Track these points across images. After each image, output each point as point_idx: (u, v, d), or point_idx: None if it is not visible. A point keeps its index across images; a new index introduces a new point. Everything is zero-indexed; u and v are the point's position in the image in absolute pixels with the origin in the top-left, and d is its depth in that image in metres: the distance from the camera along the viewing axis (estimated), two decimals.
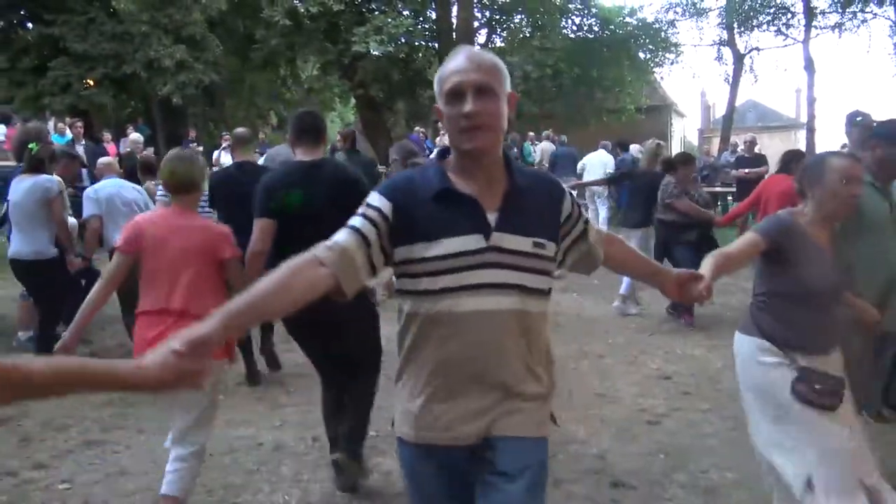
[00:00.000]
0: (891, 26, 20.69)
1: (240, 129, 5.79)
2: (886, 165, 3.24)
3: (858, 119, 4.97)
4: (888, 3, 20.29)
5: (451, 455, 1.75)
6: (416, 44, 19.56)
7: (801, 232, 2.55)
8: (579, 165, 12.93)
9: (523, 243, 1.69)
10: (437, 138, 14.32)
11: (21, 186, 5.26)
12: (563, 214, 1.81)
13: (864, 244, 3.10)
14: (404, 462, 1.86)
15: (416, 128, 15.95)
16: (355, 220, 1.72)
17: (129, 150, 11.55)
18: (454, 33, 19.32)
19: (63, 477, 3.68)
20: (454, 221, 1.66)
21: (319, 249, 1.67)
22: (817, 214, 2.56)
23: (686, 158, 7.17)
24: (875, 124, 3.56)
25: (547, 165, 14.59)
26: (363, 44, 17.19)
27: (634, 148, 15.97)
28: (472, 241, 1.65)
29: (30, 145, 5.30)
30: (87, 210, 5.61)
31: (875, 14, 21.14)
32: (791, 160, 5.81)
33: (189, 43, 17.32)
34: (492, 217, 1.68)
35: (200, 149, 15.33)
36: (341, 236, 1.70)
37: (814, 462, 2.39)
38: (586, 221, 1.88)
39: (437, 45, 19.73)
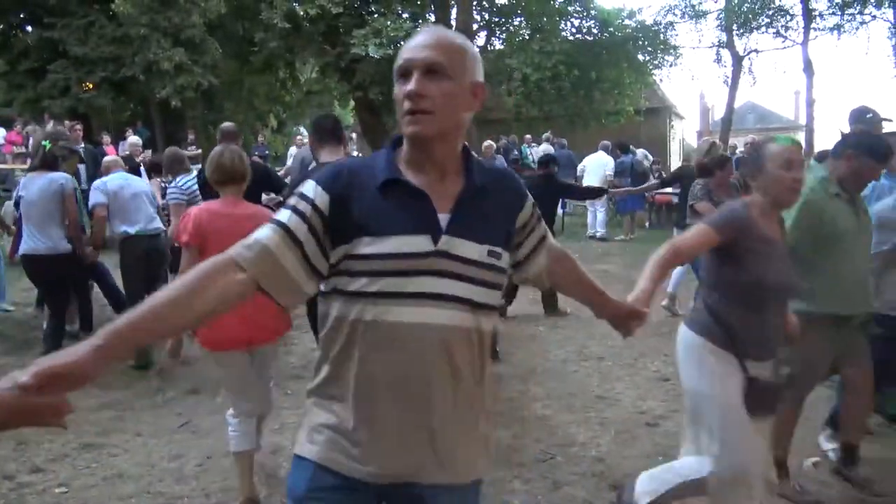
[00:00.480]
0: (889, 28, 20.71)
1: (226, 124, 5.85)
2: (859, 176, 3.18)
3: (869, 116, 4.94)
4: (887, 5, 20.30)
5: (361, 492, 1.48)
6: None
7: (754, 224, 2.48)
8: (579, 168, 12.93)
9: (476, 251, 1.47)
10: None
11: (35, 184, 5.31)
12: (520, 221, 1.62)
13: (832, 254, 3.10)
14: (296, 485, 1.53)
15: None
16: (282, 214, 1.47)
17: (127, 152, 11.54)
18: None
19: (60, 480, 3.66)
20: (400, 217, 1.43)
21: (236, 248, 1.43)
22: (765, 203, 2.51)
23: (722, 161, 6.88)
24: (847, 133, 3.51)
25: None
26: (362, 46, 17.20)
27: (641, 152, 16.02)
28: (419, 243, 1.42)
29: (43, 143, 5.40)
30: (94, 199, 5.66)
31: (874, 16, 21.17)
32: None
33: (188, 46, 17.34)
34: (443, 218, 1.45)
35: (199, 151, 15.33)
36: (263, 232, 1.45)
37: (728, 464, 2.44)
38: (545, 233, 1.72)
39: None
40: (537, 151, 15.91)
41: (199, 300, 1.34)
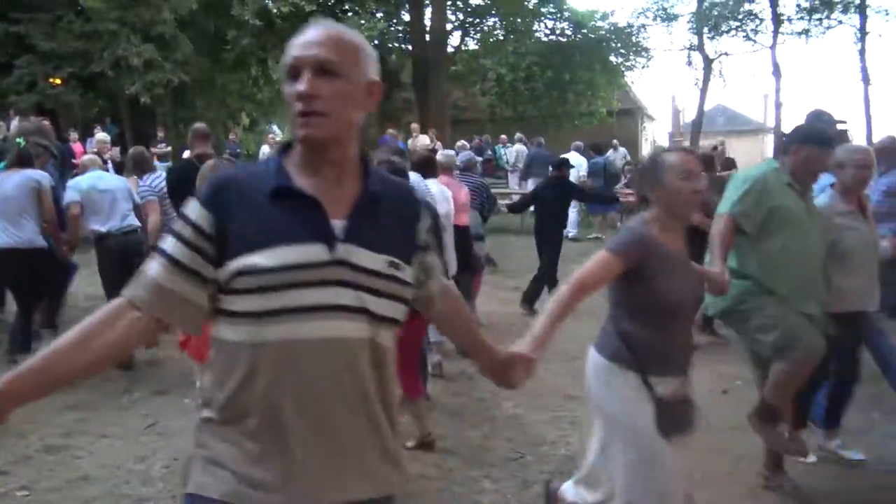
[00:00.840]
0: (855, 33, 21.13)
1: (198, 125, 5.84)
2: (808, 164, 3.24)
3: (825, 118, 5.04)
4: (853, 11, 20.71)
5: None
6: (389, 46, 19.53)
7: (655, 242, 2.38)
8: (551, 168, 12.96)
9: (376, 261, 1.39)
10: (410, 140, 14.30)
11: (11, 180, 5.28)
12: (420, 238, 1.53)
13: (783, 241, 3.16)
14: None
15: (389, 130, 15.89)
16: (167, 242, 1.39)
17: (95, 150, 11.35)
18: (427, 35, 19.34)
19: (23, 483, 3.58)
20: (291, 226, 1.35)
21: (129, 289, 1.38)
22: (666, 218, 2.41)
23: (706, 161, 6.81)
24: (789, 132, 3.64)
25: (521, 168, 14.67)
26: None
27: (622, 151, 16.20)
28: (314, 252, 1.34)
29: (17, 140, 5.39)
30: (68, 197, 5.63)
31: (840, 21, 21.59)
32: (732, 165, 5.73)
33: (158, 42, 17.08)
34: (338, 225, 1.37)
35: (169, 149, 15.14)
36: (151, 266, 1.38)
37: (641, 493, 2.36)
38: (439, 258, 1.64)
39: (410, 47, 19.73)
40: (511, 152, 15.96)
41: (98, 344, 1.33)
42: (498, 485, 3.59)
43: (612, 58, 22.31)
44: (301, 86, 1.35)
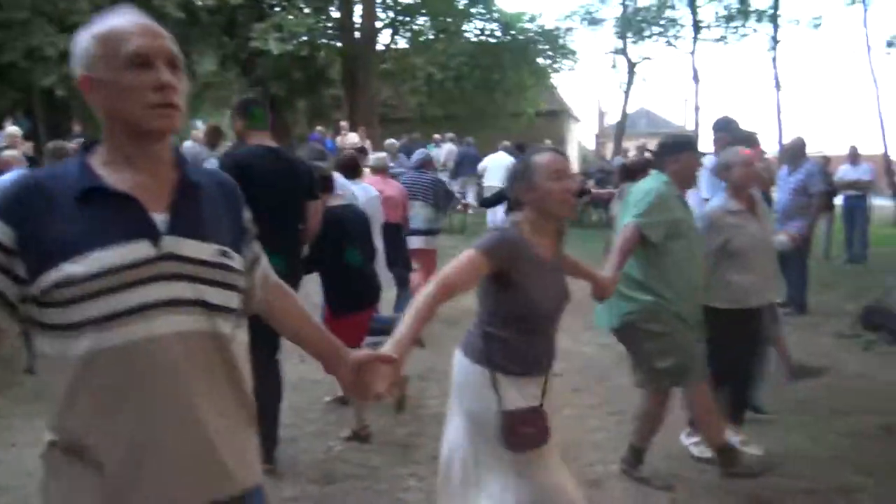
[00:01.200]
0: (769, 41, 22.09)
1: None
2: (688, 172, 3.49)
3: (732, 125, 5.27)
4: (767, 20, 21.65)
5: None
6: (318, 42, 19.31)
7: (526, 245, 2.34)
8: (480, 167, 13.11)
9: (205, 250, 1.36)
10: (339, 138, 14.17)
11: None
12: (246, 226, 1.53)
13: (680, 253, 3.34)
14: None
15: (318, 127, 15.71)
16: None
17: (5, 144, 10.81)
18: (357, 32, 19.20)
19: None
20: (106, 228, 1.28)
21: None
22: (538, 219, 2.38)
23: (646, 164, 6.78)
24: (655, 149, 3.89)
25: (451, 166, 14.77)
26: (262, 40, 16.81)
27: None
28: (137, 251, 1.29)
29: None
30: None
31: (755, 30, 22.55)
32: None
33: (75, 32, 16.41)
34: (160, 218, 1.33)
35: None
36: None
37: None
38: (261, 250, 1.59)
39: (339, 43, 19.55)
40: (441, 152, 16.01)
41: None
42: (423, 483, 3.61)
43: (540, 59, 22.68)
44: (164, 76, 1.33)
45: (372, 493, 3.55)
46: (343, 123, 15.20)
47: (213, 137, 7.38)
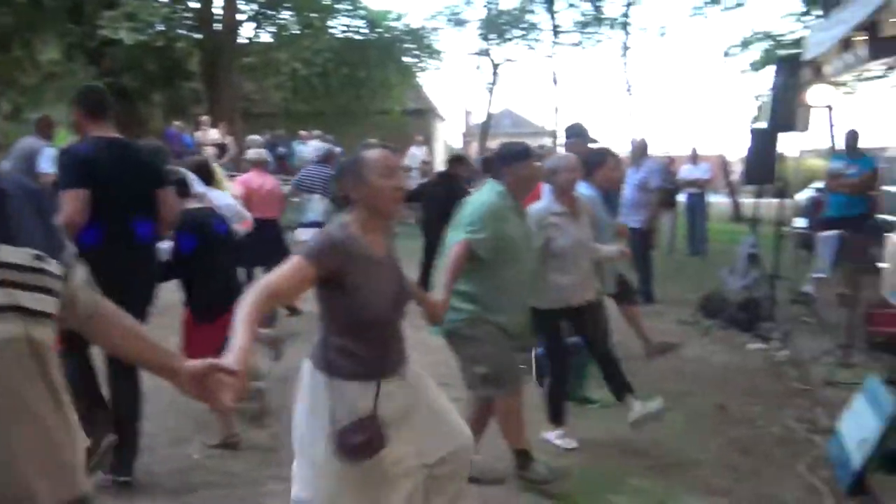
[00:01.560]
0: (621, 47, 23.37)
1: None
2: (525, 182, 3.49)
3: (583, 132, 5.60)
4: (620, 28, 22.89)
5: None
6: (175, 33, 18.45)
7: (356, 245, 2.28)
8: None
9: (19, 255, 1.34)
10: (198, 133, 13.63)
11: None
12: (57, 232, 1.55)
13: (508, 268, 3.33)
14: None
15: (175, 122, 15.02)
16: None
17: None
18: (217, 24, 18.51)
19: None
20: None
21: None
22: (368, 217, 2.34)
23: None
24: (491, 157, 3.97)
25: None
26: (112, 29, 15.83)
27: (420, 151, 16.59)
28: None
29: None
30: None
31: (610, 37, 23.79)
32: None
33: None
34: None
35: None
36: None
37: None
38: (76, 258, 1.57)
39: (198, 35, 18.76)
40: (307, 149, 15.76)
41: None
42: (286, 485, 3.56)
43: (406, 58, 22.81)
44: None
45: (232, 499, 3.48)
46: (203, 118, 14.62)
47: (46, 128, 6.98)
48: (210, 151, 11.67)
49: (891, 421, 3.41)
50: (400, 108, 22.35)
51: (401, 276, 2.47)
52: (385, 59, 21.43)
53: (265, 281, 2.17)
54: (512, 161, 3.48)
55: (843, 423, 3.88)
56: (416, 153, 17.25)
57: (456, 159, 7.72)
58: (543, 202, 4.00)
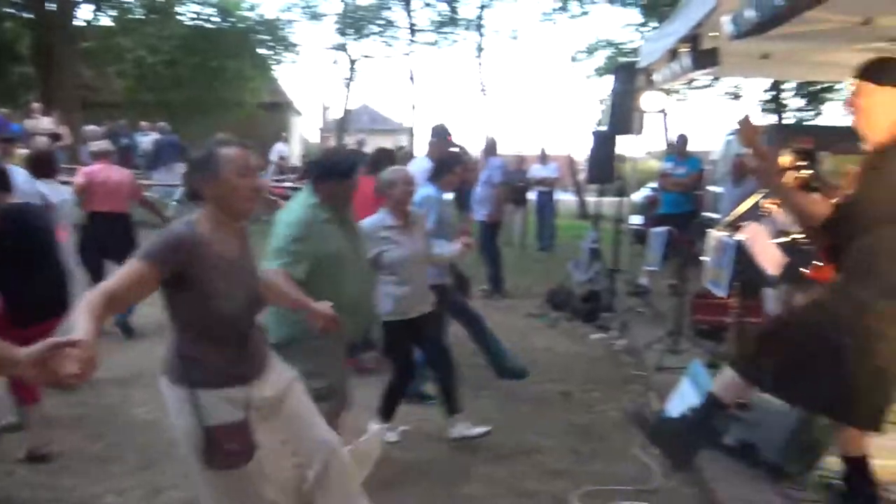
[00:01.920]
0: (476, 48, 23.93)
1: None
2: (336, 197, 3.27)
3: (446, 134, 5.70)
4: (473, 28, 23.44)
5: None
6: (3, 10, 16.90)
7: (204, 244, 2.17)
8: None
9: None
10: (28, 120, 12.56)
11: None
12: None
13: (334, 283, 3.13)
14: None
15: (1, 109, 13.73)
16: None
17: None
18: (51, 4, 17.11)
19: None
20: None
21: None
22: (221, 215, 2.24)
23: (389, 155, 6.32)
24: (310, 162, 3.78)
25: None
26: None
27: (286, 147, 16.16)
28: None
29: None
30: None
31: (465, 38, 24.29)
32: (380, 160, 5.41)
33: None
34: None
35: None
36: None
37: None
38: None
39: (31, 15, 17.25)
40: (148, 140, 14.95)
41: None
42: (123, 497, 3.40)
43: (261, 50, 22.20)
44: None
45: None
46: (35, 105, 13.46)
47: None
48: (41, 141, 10.77)
49: None
50: (255, 101, 21.70)
51: (255, 277, 2.38)
52: (239, 49, 20.73)
53: (103, 285, 2.02)
54: (327, 178, 3.26)
55: (670, 404, 4.19)
56: (282, 149, 16.90)
57: (384, 157, 7.76)
58: (377, 216, 3.98)
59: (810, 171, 2.92)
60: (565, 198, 17.30)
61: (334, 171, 3.28)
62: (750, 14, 3.49)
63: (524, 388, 5.10)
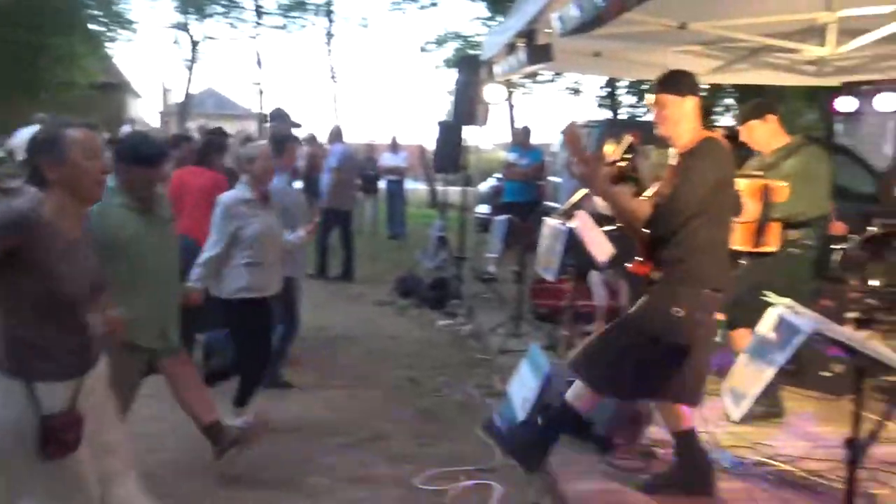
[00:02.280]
0: (325, 34, 23.62)
1: None
2: (134, 185, 3.09)
3: (285, 117, 5.61)
4: (322, 14, 23.12)
5: None
6: None
7: (45, 224, 2.09)
8: (10, 143, 11.42)
9: None
10: None
11: None
12: None
13: (122, 266, 2.94)
14: None
15: None
16: None
17: None
18: None
19: None
20: None
21: None
22: (67, 199, 2.16)
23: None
24: (116, 146, 3.36)
25: None
26: None
27: (127, 131, 15.01)
28: None
29: None
30: None
31: (314, 23, 23.88)
32: (211, 150, 5.26)
33: None
34: None
35: None
36: None
37: None
38: None
39: None
40: None
41: None
42: None
43: (93, 26, 20.67)
44: None
45: None
46: None
47: None
48: None
49: (545, 380, 3.94)
50: (87, 81, 20.18)
51: (94, 261, 2.28)
52: (67, 25, 19.16)
53: None
54: (131, 162, 3.07)
55: (511, 386, 4.38)
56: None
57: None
58: (235, 190, 3.93)
59: (628, 163, 3.17)
60: (416, 186, 17.51)
61: (137, 156, 3.09)
62: (574, 13, 3.71)
63: (375, 376, 5.16)
